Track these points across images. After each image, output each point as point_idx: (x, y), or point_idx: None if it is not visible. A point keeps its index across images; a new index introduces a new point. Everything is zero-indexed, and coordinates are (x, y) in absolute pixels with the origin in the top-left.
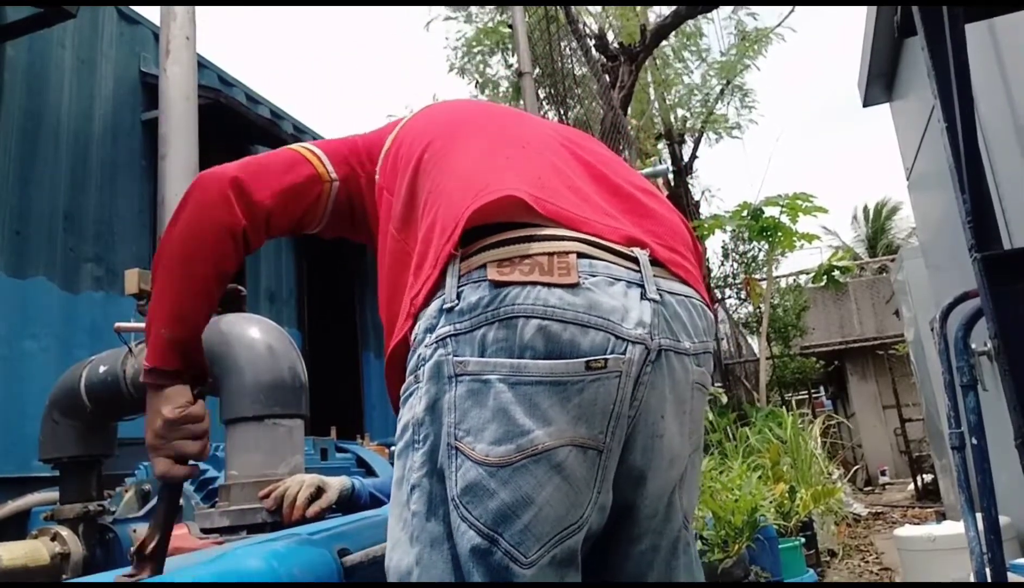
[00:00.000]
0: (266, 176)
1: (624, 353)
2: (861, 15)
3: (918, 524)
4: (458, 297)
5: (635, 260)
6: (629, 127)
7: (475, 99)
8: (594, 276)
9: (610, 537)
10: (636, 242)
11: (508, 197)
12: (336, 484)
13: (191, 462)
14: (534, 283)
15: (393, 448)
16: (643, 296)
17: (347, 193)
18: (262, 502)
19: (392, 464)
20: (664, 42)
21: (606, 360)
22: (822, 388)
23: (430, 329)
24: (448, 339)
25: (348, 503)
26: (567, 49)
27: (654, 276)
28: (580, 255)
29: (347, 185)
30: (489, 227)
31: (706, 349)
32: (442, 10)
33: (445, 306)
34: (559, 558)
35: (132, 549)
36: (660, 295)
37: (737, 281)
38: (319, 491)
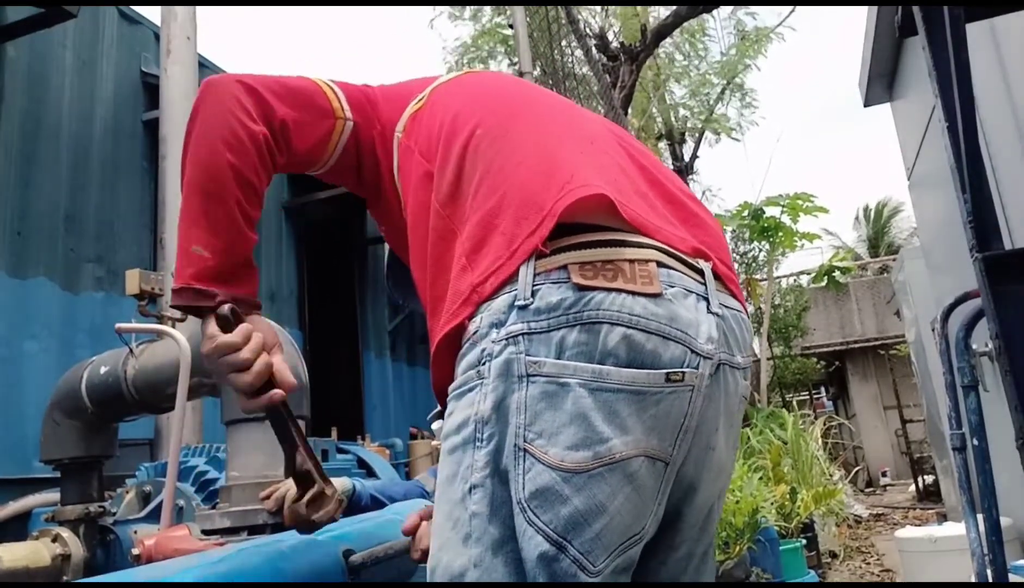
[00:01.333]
0: (279, 89)
1: (698, 367)
2: (862, 15)
3: (919, 525)
4: (533, 295)
5: (701, 272)
6: (630, 127)
7: (512, 75)
8: (672, 287)
9: (652, 543)
10: (701, 254)
11: (598, 195)
12: (337, 486)
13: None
14: (619, 290)
15: (437, 442)
16: (708, 309)
17: (356, 140)
18: (263, 503)
19: (391, 465)
20: (667, 40)
21: (684, 374)
22: (823, 389)
23: (497, 324)
24: (520, 337)
25: (349, 505)
26: (568, 49)
27: (716, 290)
28: (659, 264)
29: (358, 131)
30: (570, 225)
31: (750, 363)
32: (445, 8)
33: (518, 303)
34: (620, 567)
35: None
36: (721, 309)
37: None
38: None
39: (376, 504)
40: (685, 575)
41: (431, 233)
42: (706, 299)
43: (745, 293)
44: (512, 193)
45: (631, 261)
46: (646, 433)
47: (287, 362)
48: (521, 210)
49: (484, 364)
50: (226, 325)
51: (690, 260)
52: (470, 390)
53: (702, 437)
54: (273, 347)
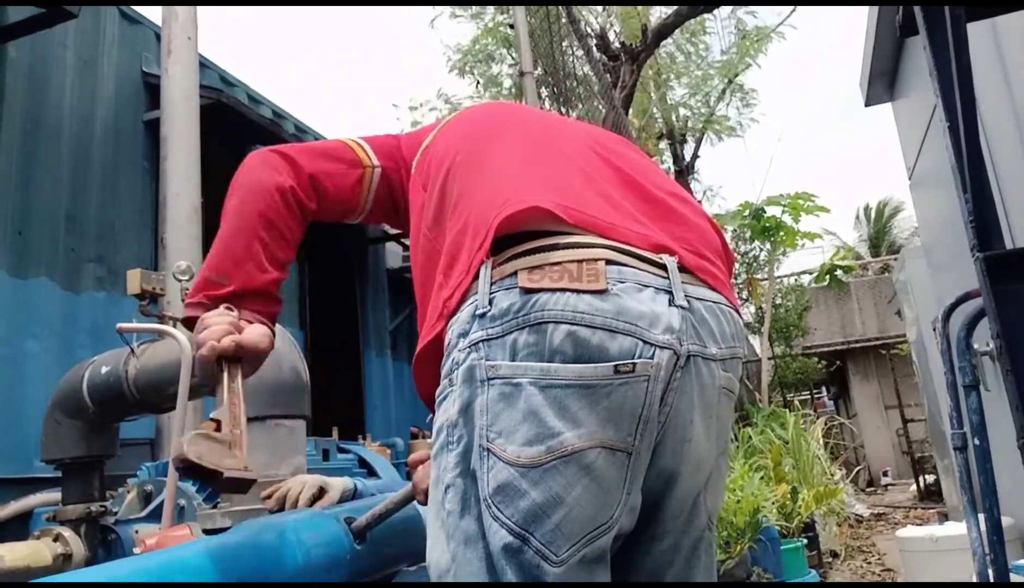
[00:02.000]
0: (308, 150)
1: (652, 358)
2: (862, 15)
3: (920, 525)
4: (490, 303)
5: (663, 266)
6: (630, 127)
7: (514, 103)
8: (622, 282)
9: (634, 534)
10: (664, 249)
11: (534, 207)
12: (338, 485)
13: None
14: (563, 289)
15: (430, 445)
16: (671, 302)
17: (388, 184)
18: (264, 503)
19: (392, 465)
20: (667, 40)
21: (634, 364)
22: (824, 388)
23: (463, 334)
24: (481, 344)
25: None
26: (569, 48)
27: (682, 282)
28: (609, 262)
29: (389, 176)
30: (519, 235)
31: (734, 354)
32: (446, 8)
33: (478, 312)
34: (589, 557)
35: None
36: (688, 301)
37: (739, 281)
38: (321, 491)
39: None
40: (673, 567)
41: (420, 255)
42: (668, 292)
43: (746, 293)
44: (473, 213)
45: (579, 261)
46: (601, 425)
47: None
48: (476, 228)
49: (453, 372)
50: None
51: (650, 256)
52: (445, 398)
53: (676, 429)
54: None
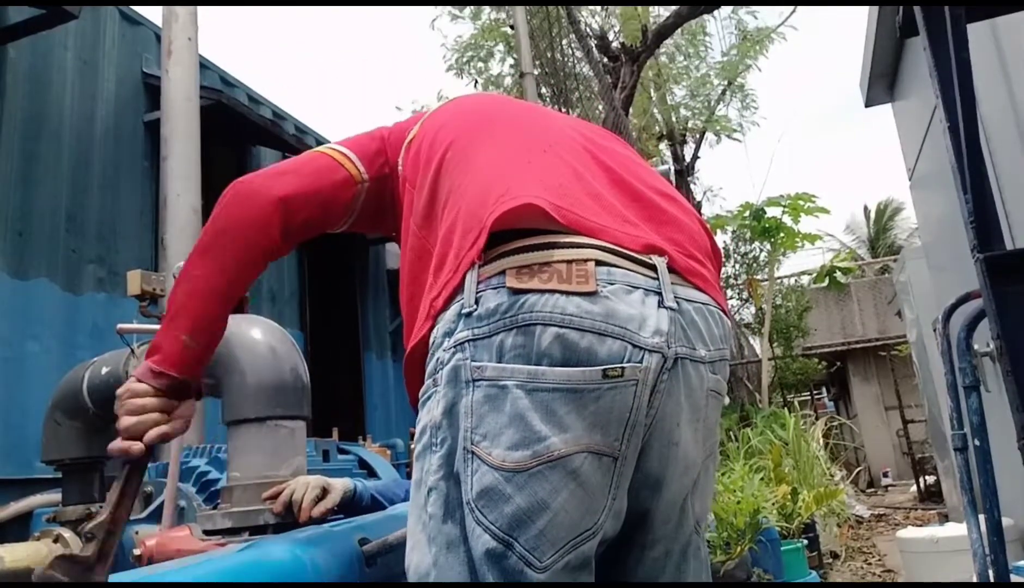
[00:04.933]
0: (306, 194)
1: (641, 362)
2: (863, 15)
3: (921, 526)
4: (477, 302)
5: (653, 267)
6: (630, 128)
7: (502, 95)
8: (612, 284)
9: (624, 542)
10: (654, 250)
11: (529, 205)
12: (339, 485)
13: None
14: (552, 291)
15: (413, 448)
16: (660, 304)
17: (376, 193)
18: (269, 505)
19: (393, 465)
20: (667, 41)
21: (623, 368)
22: (824, 389)
23: (448, 333)
24: (466, 344)
25: (350, 505)
26: (569, 49)
27: (672, 284)
28: (598, 263)
29: (377, 186)
30: (509, 233)
31: (722, 356)
32: (446, 8)
33: (464, 311)
34: (573, 563)
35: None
36: (677, 303)
37: (739, 282)
38: (324, 492)
39: (376, 505)
40: (665, 574)
41: (409, 253)
42: (658, 294)
43: (746, 293)
44: (463, 210)
45: (568, 262)
46: (587, 430)
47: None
48: (466, 225)
49: (438, 372)
50: (157, 392)
51: (640, 256)
52: (429, 398)
53: (662, 433)
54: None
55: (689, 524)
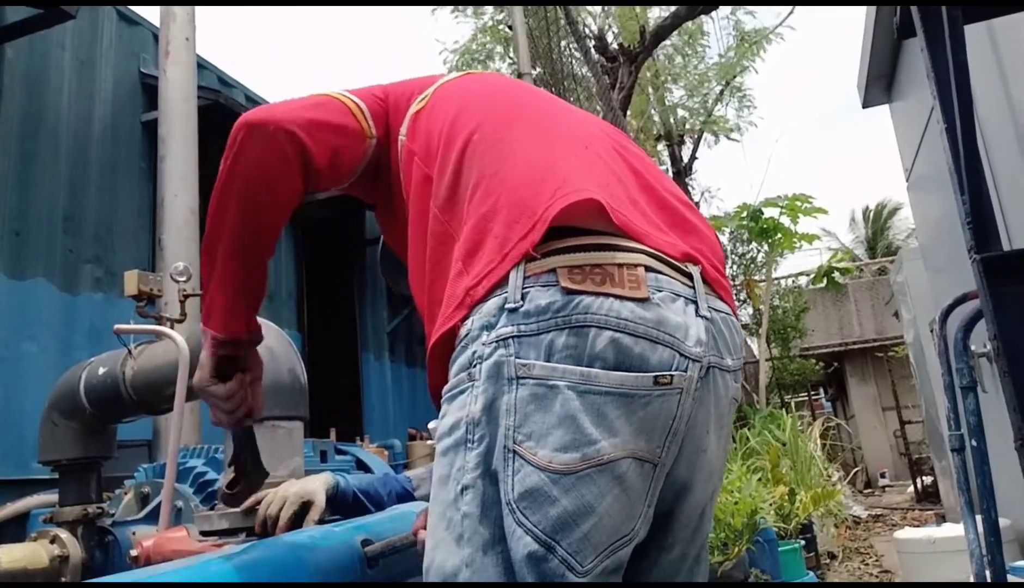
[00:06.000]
0: (321, 132)
1: (686, 370)
2: (860, 16)
3: (918, 526)
4: (523, 298)
5: (689, 276)
6: (628, 128)
7: (515, 79)
8: (660, 291)
9: (642, 544)
10: (691, 258)
11: (590, 200)
12: (321, 489)
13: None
14: (607, 294)
15: (434, 443)
16: (697, 313)
17: (377, 154)
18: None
19: (392, 465)
20: (665, 41)
21: (672, 376)
22: (821, 390)
23: (488, 326)
24: (510, 340)
25: (332, 503)
26: (567, 49)
27: (704, 293)
28: (647, 269)
29: (379, 145)
30: (561, 229)
31: (740, 365)
32: (446, 7)
33: (508, 306)
34: (610, 568)
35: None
36: (710, 312)
37: (736, 283)
38: (304, 507)
39: (357, 504)
40: (679, 576)
41: (430, 238)
42: (695, 303)
43: (744, 294)
44: (505, 197)
45: (620, 265)
46: (634, 435)
47: (264, 382)
48: (513, 214)
49: (475, 366)
50: (222, 372)
51: (679, 264)
52: (461, 392)
53: (693, 440)
54: (257, 379)
55: (706, 528)
